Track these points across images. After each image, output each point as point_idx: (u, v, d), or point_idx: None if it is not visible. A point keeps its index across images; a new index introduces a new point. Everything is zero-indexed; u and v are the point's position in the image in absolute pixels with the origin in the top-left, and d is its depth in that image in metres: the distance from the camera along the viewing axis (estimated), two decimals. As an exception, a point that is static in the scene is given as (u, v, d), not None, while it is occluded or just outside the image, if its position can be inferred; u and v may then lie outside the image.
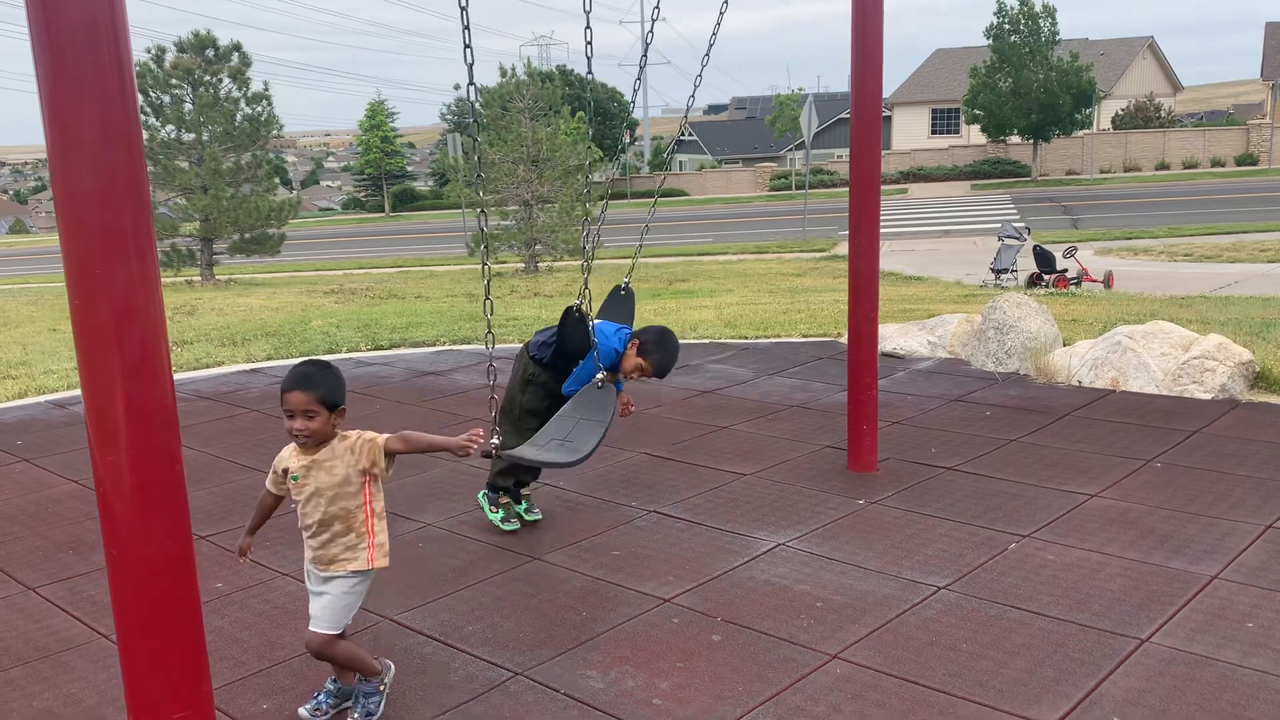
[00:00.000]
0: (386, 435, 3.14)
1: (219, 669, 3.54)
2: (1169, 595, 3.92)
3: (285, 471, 3.17)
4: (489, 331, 3.65)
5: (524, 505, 5.04)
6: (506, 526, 4.90)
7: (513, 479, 4.98)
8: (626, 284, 5.12)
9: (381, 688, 3.27)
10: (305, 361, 3.14)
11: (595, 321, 4.82)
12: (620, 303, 5.08)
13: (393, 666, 3.38)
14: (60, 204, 1.93)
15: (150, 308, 1.96)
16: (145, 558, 2.04)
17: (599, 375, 4.59)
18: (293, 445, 3.15)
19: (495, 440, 3.58)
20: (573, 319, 4.59)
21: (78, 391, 8.44)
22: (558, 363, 4.80)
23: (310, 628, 3.18)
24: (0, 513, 5.48)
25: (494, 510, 4.95)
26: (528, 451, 4.18)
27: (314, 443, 3.10)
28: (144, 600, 2.08)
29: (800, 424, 6.61)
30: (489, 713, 3.29)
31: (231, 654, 3.76)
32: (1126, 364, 7.22)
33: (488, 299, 3.54)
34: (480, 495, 5.04)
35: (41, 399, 8.34)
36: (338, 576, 3.14)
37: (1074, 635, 3.63)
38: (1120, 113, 52.21)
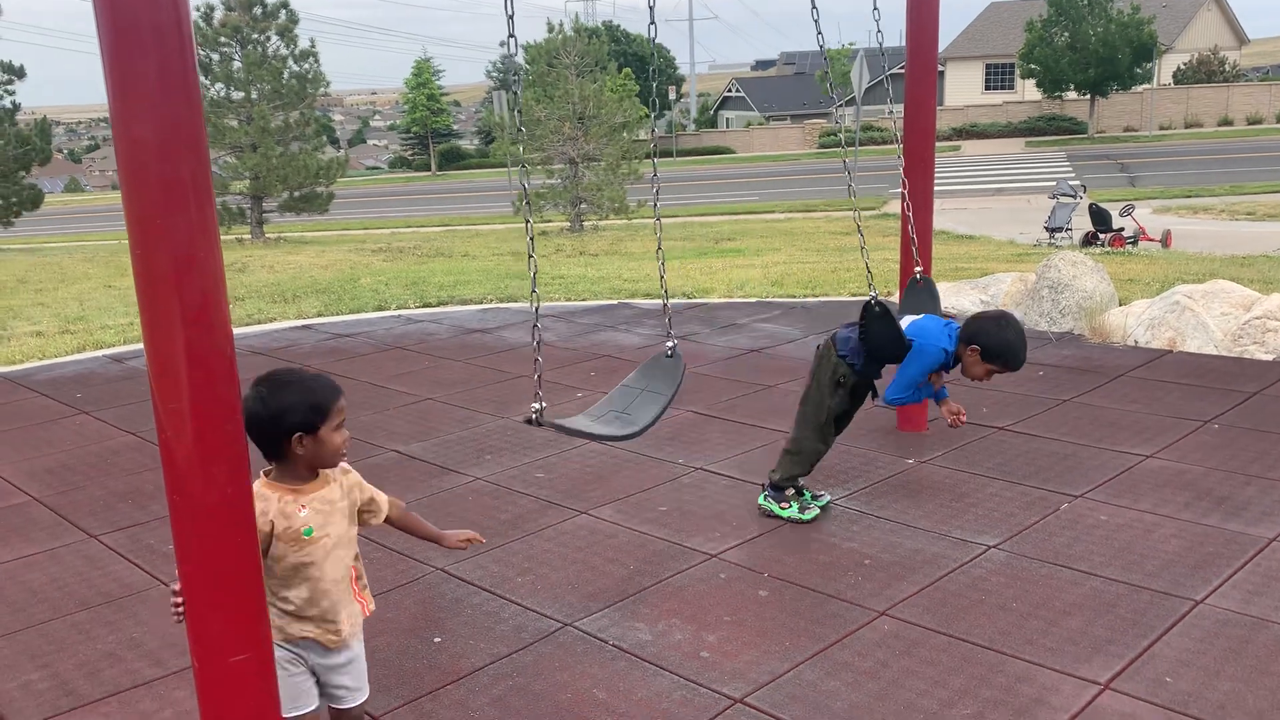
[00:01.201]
0: (389, 496, 2.70)
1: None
2: (1225, 557, 3.86)
3: (279, 530, 2.40)
4: (534, 290, 3.59)
5: (808, 494, 4.50)
6: (808, 515, 4.35)
7: (805, 472, 4.45)
8: (921, 272, 4.66)
9: None
10: (291, 370, 2.50)
11: (912, 319, 4.42)
12: (920, 295, 4.67)
13: None
14: (121, 154, 1.95)
15: (210, 258, 1.99)
16: (206, 503, 2.08)
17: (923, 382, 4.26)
18: (262, 484, 2.41)
19: (536, 406, 3.40)
20: (874, 314, 4.11)
21: (134, 346, 8.61)
22: (870, 371, 4.40)
23: (347, 706, 2.62)
24: (62, 463, 5.63)
25: (784, 506, 4.39)
26: (580, 423, 4.03)
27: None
28: (206, 545, 2.12)
29: (848, 382, 6.55)
30: (538, 662, 3.34)
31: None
32: (1184, 324, 7.06)
33: (531, 256, 3.53)
34: (761, 499, 4.48)
35: (99, 353, 8.53)
36: (354, 639, 2.61)
37: (1126, 595, 3.59)
38: (1182, 67, 50.74)
